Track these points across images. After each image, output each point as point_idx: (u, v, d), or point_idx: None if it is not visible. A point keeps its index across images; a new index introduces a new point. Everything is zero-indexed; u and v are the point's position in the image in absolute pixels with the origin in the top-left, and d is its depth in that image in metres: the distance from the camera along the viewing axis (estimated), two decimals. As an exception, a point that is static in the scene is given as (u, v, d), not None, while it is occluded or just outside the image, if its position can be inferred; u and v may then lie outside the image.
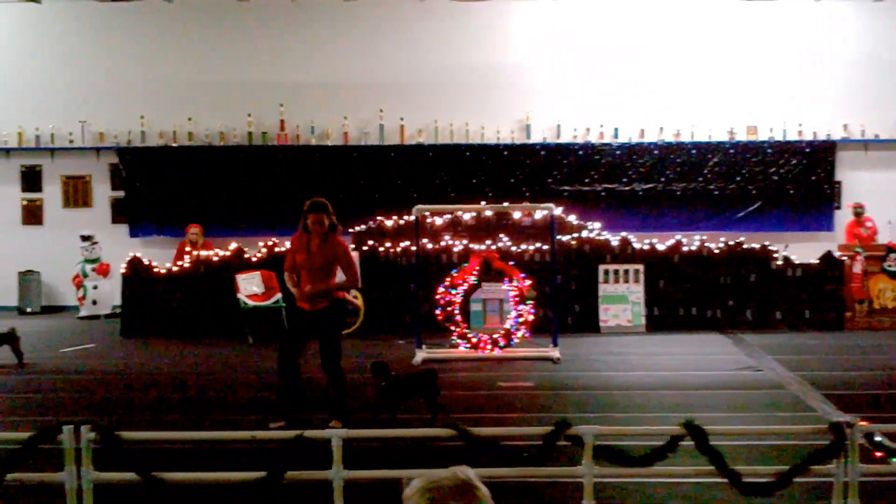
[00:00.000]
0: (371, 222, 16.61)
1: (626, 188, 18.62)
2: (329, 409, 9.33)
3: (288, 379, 9.41)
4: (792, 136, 18.70)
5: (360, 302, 15.55)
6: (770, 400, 10.46)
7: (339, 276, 9.57)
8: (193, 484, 6.51)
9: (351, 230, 16.65)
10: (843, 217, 18.41)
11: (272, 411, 9.33)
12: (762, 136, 18.77)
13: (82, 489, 5.92)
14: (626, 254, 15.92)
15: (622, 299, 15.65)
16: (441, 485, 2.69)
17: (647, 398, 10.63)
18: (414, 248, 14.83)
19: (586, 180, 18.68)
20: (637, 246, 16.02)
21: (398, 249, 15.90)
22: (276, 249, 15.86)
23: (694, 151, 18.67)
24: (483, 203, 16.58)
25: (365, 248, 15.88)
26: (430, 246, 15.74)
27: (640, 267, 15.74)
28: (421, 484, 2.71)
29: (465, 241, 15.92)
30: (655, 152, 18.68)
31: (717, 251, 15.94)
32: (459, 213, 16.32)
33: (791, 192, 18.61)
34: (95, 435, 5.96)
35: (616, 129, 18.77)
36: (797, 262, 15.93)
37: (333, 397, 9.42)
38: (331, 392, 9.46)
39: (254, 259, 15.81)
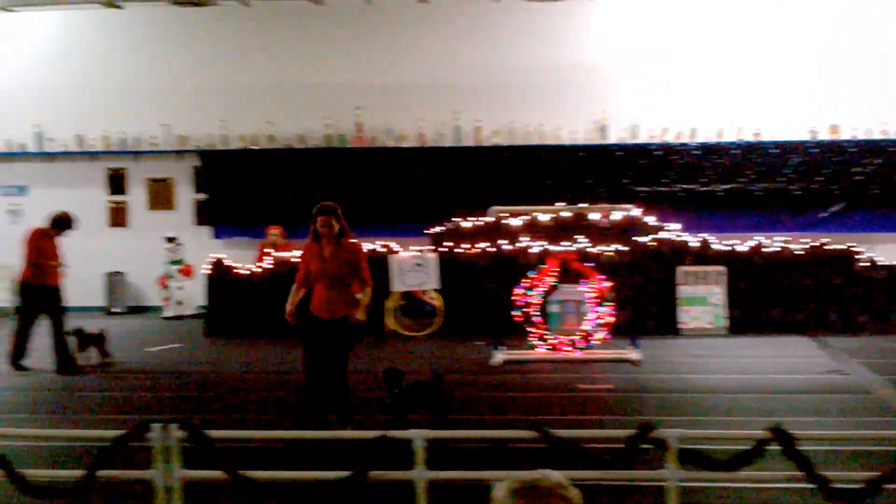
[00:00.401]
0: (448, 224, 16.66)
1: (706, 189, 18.38)
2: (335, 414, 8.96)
3: (316, 393, 8.98)
4: (876, 136, 18.29)
5: (439, 303, 15.61)
6: (856, 404, 10.25)
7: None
8: (278, 482, 6.61)
9: (428, 231, 16.74)
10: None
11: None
12: (845, 135, 18.38)
13: (171, 487, 6.04)
14: (705, 255, 15.72)
15: (702, 301, 15.45)
16: (532, 486, 2.69)
17: (729, 402, 10.50)
18: (491, 249, 14.86)
19: (664, 181, 18.49)
20: (717, 247, 15.82)
21: (476, 251, 15.92)
22: (355, 251, 15.98)
23: (774, 151, 18.36)
24: (560, 204, 16.53)
25: (442, 249, 15.92)
26: (507, 247, 15.73)
27: (721, 268, 15.52)
28: (511, 486, 2.71)
29: (542, 243, 15.87)
30: (734, 152, 18.42)
31: (799, 252, 15.65)
32: (536, 214, 16.29)
33: (876, 192, 18.20)
34: (184, 433, 6.07)
35: (694, 129, 18.55)
36: (882, 263, 15.57)
37: (337, 408, 8.97)
38: (331, 415, 8.94)
39: (333, 260, 15.93)
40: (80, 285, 19.22)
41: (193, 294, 18.19)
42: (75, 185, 19.41)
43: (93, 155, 19.41)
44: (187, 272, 18.32)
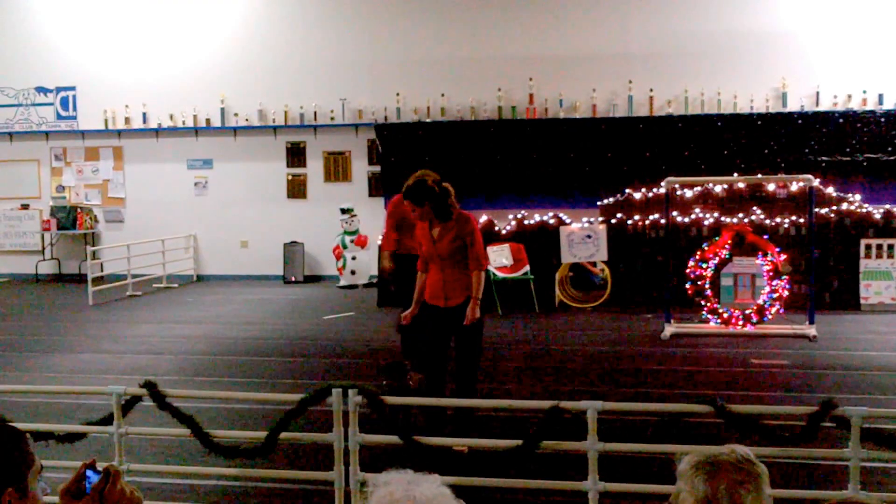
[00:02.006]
0: (619, 195, 16.52)
1: (892, 158, 17.52)
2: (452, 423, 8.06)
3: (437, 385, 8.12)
4: None
5: (607, 274, 15.55)
6: None
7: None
8: (449, 448, 6.77)
9: (599, 203, 16.64)
10: None
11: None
12: None
13: (349, 450, 6.25)
14: (890, 227, 15.06)
15: (886, 275, 14.84)
16: (718, 460, 2.68)
17: (914, 380, 10.09)
18: (663, 220, 14.66)
19: (847, 150, 17.73)
20: (903, 219, 15.14)
21: (647, 222, 15.74)
22: (525, 223, 16.09)
23: (968, 117, 17.35)
24: (735, 175, 16.13)
25: (613, 221, 15.82)
26: (679, 219, 15.49)
27: (906, 241, 14.86)
28: (697, 459, 2.70)
29: (716, 214, 15.55)
30: (925, 119, 17.50)
31: None
32: (710, 185, 15.96)
33: None
34: (362, 398, 6.27)
35: (881, 95, 17.72)
36: None
37: (456, 413, 8.09)
38: (449, 412, 8.13)
39: (503, 232, 16.08)
40: (260, 255, 20.18)
41: (367, 264, 18.66)
42: (257, 158, 20.17)
43: (274, 129, 20.09)
44: (361, 243, 18.78)
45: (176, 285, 19.35)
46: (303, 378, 10.61)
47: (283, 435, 6.37)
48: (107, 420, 6.51)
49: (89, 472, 2.53)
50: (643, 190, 16.32)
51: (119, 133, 20.69)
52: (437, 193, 7.99)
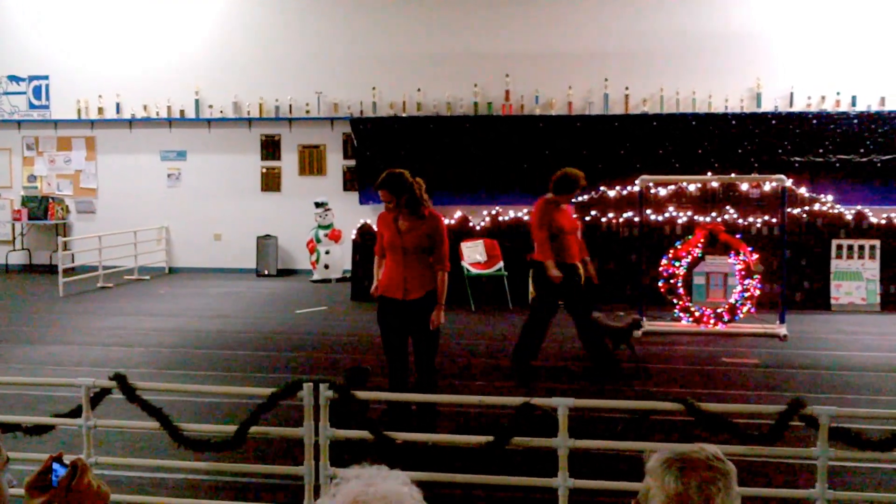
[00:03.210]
0: (594, 193, 16.55)
1: (864, 159, 17.66)
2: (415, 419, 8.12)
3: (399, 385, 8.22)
4: None
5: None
6: None
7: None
8: (422, 444, 6.77)
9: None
10: None
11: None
12: None
13: (319, 444, 6.23)
14: (861, 228, 15.20)
15: (856, 276, 14.97)
16: (689, 458, 2.67)
17: (881, 380, 10.19)
18: (637, 219, 14.72)
19: (820, 151, 17.85)
20: (873, 220, 15.26)
21: (621, 220, 15.79)
22: (500, 219, 16.11)
23: (940, 119, 17.50)
24: (709, 174, 16.21)
25: (587, 218, 15.85)
26: (653, 217, 15.55)
27: (876, 242, 15.00)
28: (667, 456, 2.69)
29: (689, 213, 15.63)
30: (897, 121, 17.65)
31: (963, 227, 14.99)
32: (684, 184, 16.03)
33: None
34: (333, 393, 6.25)
35: (854, 97, 17.85)
36: None
37: (419, 409, 8.18)
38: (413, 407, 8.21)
39: (478, 228, 16.09)
40: (233, 248, 20.10)
41: (340, 258, 18.62)
42: (231, 150, 20.08)
43: (249, 121, 20.00)
44: (335, 237, 18.73)
45: (148, 277, 19.23)
46: (274, 372, 10.59)
47: (254, 429, 6.35)
48: (75, 412, 6.46)
49: (56, 466, 2.50)
50: (617, 188, 16.36)
51: (92, 123, 20.52)
52: (414, 188, 8.05)
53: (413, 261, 7.99)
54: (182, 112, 20.07)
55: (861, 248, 15.01)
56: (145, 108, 20.18)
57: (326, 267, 18.76)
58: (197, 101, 19.98)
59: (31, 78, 20.73)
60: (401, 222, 8.06)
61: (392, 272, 8.07)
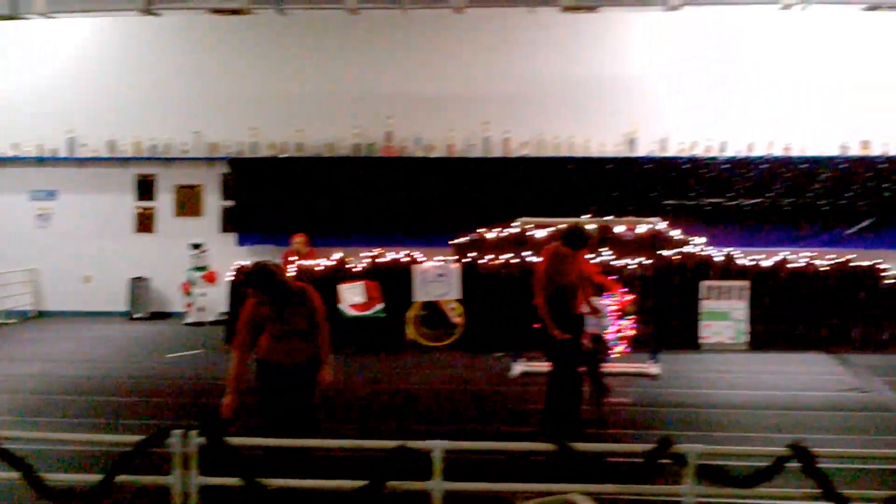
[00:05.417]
0: (474, 234, 16.65)
1: (733, 203, 18.26)
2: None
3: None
4: (907, 152, 18.13)
5: (460, 314, 15.61)
6: (876, 422, 10.20)
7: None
8: (295, 490, 6.63)
9: (453, 241, 16.74)
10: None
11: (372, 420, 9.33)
12: (875, 150, 18.21)
13: (189, 493, 6.07)
14: (730, 270, 15.65)
15: (724, 316, 15.39)
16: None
17: (749, 417, 10.46)
18: (516, 260, 14.84)
19: (691, 194, 18.39)
20: (741, 262, 15.74)
21: (500, 262, 15.90)
22: (379, 260, 16.05)
23: (803, 166, 18.18)
24: (586, 216, 16.50)
25: (466, 259, 15.92)
26: (531, 259, 15.70)
27: (744, 283, 15.46)
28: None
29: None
30: (763, 167, 18.28)
31: (824, 269, 15.57)
32: (562, 225, 16.22)
33: (905, 208, 18.00)
34: (203, 440, 6.10)
35: (724, 143, 18.47)
36: (909, 281, 15.48)
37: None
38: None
39: (356, 269, 15.99)
40: (104, 290, 19.54)
41: (216, 301, 18.28)
42: (104, 190, 19.60)
43: (123, 161, 19.55)
44: (211, 279, 18.40)
45: (14, 321, 18.53)
46: (145, 418, 10.27)
47: (121, 478, 6.16)
48: (-75, 464, 6.14)
49: None
50: (497, 229, 16.48)
51: (-44, 162, 19.79)
52: (282, 277, 7.93)
53: (297, 336, 7.85)
54: (54, 151, 19.50)
55: (730, 289, 15.44)
56: (14, 146, 19.54)
57: (201, 309, 18.39)
58: (70, 140, 19.45)
59: None
60: (278, 313, 7.80)
61: (274, 345, 7.84)
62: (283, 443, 7.72)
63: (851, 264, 15.60)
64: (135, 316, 19.17)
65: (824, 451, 6.41)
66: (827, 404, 11.12)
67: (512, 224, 15.80)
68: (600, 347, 10.86)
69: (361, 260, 16.16)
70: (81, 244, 19.65)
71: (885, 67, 18.21)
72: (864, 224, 18.09)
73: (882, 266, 15.58)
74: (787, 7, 16.52)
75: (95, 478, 6.16)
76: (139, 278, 19.31)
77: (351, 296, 15.45)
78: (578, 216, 16.29)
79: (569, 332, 9.87)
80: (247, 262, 15.65)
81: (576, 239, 10.18)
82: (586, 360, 10.24)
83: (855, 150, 18.26)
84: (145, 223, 19.69)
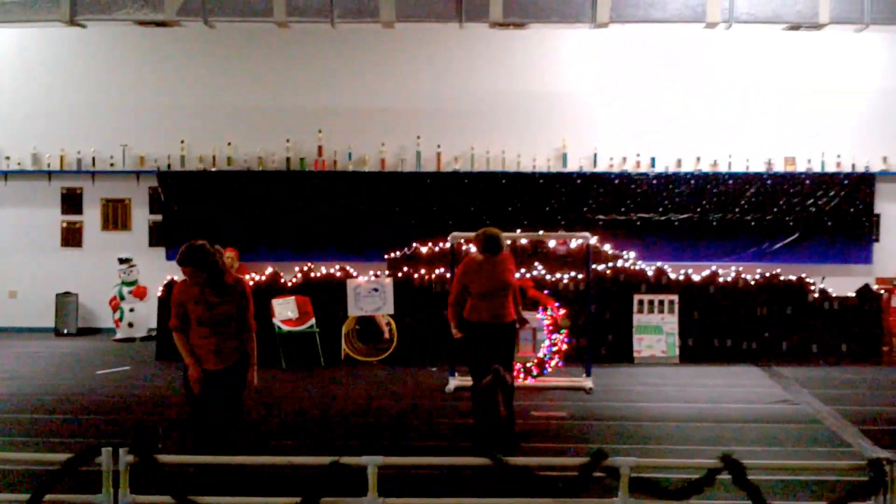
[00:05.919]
0: (406, 249, 16.65)
1: (662, 218, 18.53)
2: None
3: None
4: (830, 168, 18.55)
5: (393, 329, 15.58)
6: (806, 434, 10.38)
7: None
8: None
9: (387, 256, 16.71)
10: (881, 250, 18.32)
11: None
12: (800, 167, 18.62)
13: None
14: (661, 284, 15.86)
15: (656, 330, 15.58)
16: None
17: (681, 430, 10.58)
18: (449, 275, 14.85)
19: (622, 209, 18.62)
20: (672, 276, 15.95)
21: (433, 276, 15.91)
22: (312, 275, 15.96)
23: (731, 182, 18.54)
24: (518, 231, 16.59)
25: (400, 274, 15.91)
26: (464, 273, 15.71)
27: (675, 297, 15.68)
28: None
29: (499, 269, 15.87)
30: (692, 182, 18.58)
31: (752, 283, 15.86)
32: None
33: (829, 224, 18.42)
34: (133, 457, 5.99)
35: (653, 159, 18.71)
36: (834, 294, 15.81)
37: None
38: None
39: (289, 284, 15.88)
40: (29, 305, 19.12)
41: (145, 316, 18.00)
42: (29, 204, 19.19)
43: (48, 174, 19.18)
44: (140, 294, 18.11)
45: (-66, 338, 18.04)
46: (72, 437, 10.06)
47: (48, 497, 6.03)
48: None
49: None
50: (430, 244, 16.51)
51: None
52: (217, 258, 8.01)
53: (224, 330, 7.93)
54: (-25, 164, 19.10)
55: (661, 302, 15.65)
56: (-66, 158, 19.11)
57: (131, 325, 18.08)
58: (-8, 153, 19.07)
59: None
60: (209, 296, 7.92)
61: (203, 342, 7.94)
62: (215, 460, 7.63)
63: (780, 278, 15.90)
64: (61, 332, 18.78)
65: (754, 463, 6.50)
66: (756, 416, 11.30)
67: (445, 239, 15.83)
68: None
69: (295, 274, 16.05)
70: (6, 259, 19.21)
71: (809, 85, 18.64)
72: (790, 239, 18.46)
73: (809, 280, 15.91)
74: (711, 26, 16.84)
75: (23, 497, 6.00)
76: (66, 293, 18.92)
77: (284, 310, 15.34)
78: (511, 230, 16.41)
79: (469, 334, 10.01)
80: (176, 278, 15.47)
81: (487, 243, 10.26)
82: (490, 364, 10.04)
83: (780, 167, 18.65)
84: (72, 237, 19.32)
